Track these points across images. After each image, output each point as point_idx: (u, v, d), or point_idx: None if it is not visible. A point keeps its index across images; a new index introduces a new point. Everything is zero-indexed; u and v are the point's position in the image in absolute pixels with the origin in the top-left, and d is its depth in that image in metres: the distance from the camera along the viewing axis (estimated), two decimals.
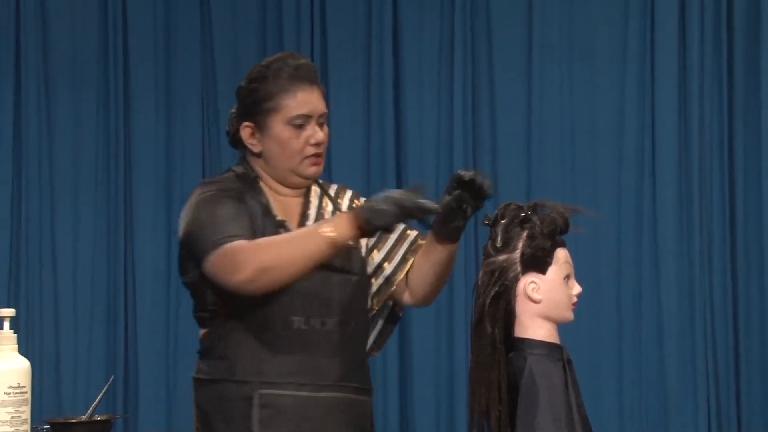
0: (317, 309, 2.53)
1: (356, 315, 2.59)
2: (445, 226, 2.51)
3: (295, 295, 2.51)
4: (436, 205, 2.41)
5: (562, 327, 2.36)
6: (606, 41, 5.07)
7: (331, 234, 2.39)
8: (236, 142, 2.67)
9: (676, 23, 5.01)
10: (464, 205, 2.47)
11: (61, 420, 3.64)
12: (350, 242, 2.42)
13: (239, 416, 2.50)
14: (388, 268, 2.65)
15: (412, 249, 2.67)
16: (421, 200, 2.40)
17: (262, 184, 2.62)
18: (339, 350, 2.55)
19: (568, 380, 2.30)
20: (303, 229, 2.47)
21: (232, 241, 2.43)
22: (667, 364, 4.93)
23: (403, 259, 2.66)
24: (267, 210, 2.58)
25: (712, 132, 5.00)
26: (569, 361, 2.33)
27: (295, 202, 2.63)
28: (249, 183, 2.60)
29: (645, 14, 5.04)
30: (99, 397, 3.62)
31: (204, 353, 2.60)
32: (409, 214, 2.39)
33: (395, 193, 2.41)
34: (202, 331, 2.61)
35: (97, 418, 3.58)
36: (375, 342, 2.71)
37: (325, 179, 2.80)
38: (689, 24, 5.01)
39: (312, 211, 2.63)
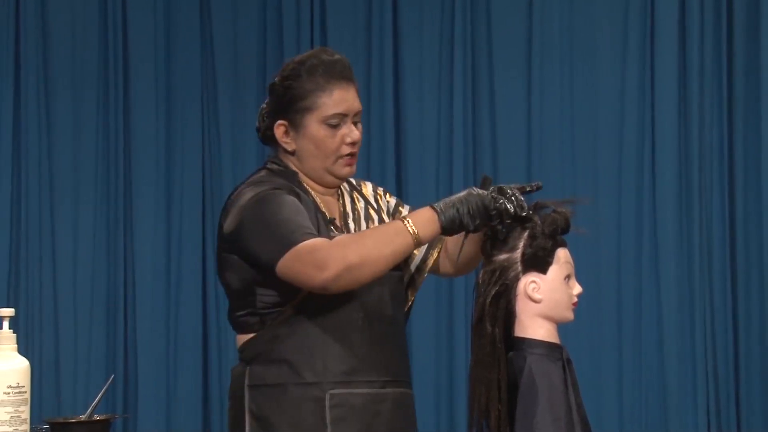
0: (375, 305, 2.51)
1: (402, 309, 2.59)
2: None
3: (354, 293, 2.47)
4: (521, 212, 2.32)
5: (562, 327, 2.36)
6: (606, 40, 5.07)
7: (416, 231, 2.33)
8: (267, 138, 2.62)
9: (676, 22, 5.01)
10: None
11: (61, 420, 3.64)
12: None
13: (309, 419, 2.45)
14: (417, 255, 2.62)
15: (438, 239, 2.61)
16: (502, 203, 2.31)
17: (302, 180, 2.57)
18: (395, 345, 2.54)
19: (568, 380, 2.30)
20: (385, 226, 2.40)
21: (308, 238, 2.35)
22: (666, 364, 4.93)
23: (430, 245, 2.61)
24: (317, 207, 2.54)
25: (712, 131, 4.99)
26: (569, 361, 2.33)
27: (332, 200, 2.60)
28: (292, 180, 2.54)
29: (645, 13, 5.04)
30: (98, 396, 3.62)
31: (256, 358, 2.49)
32: (490, 217, 2.32)
33: (477, 194, 2.33)
34: (246, 335, 2.51)
35: (97, 417, 3.58)
36: None
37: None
38: (689, 23, 5.01)
39: (349, 209, 2.60)
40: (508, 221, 2.33)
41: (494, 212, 2.31)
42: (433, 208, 2.35)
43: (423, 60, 5.16)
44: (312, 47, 5.15)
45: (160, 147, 5.22)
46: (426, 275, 2.66)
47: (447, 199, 2.35)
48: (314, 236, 2.36)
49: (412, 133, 5.15)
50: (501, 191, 2.34)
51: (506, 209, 2.32)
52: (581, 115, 5.08)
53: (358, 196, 2.66)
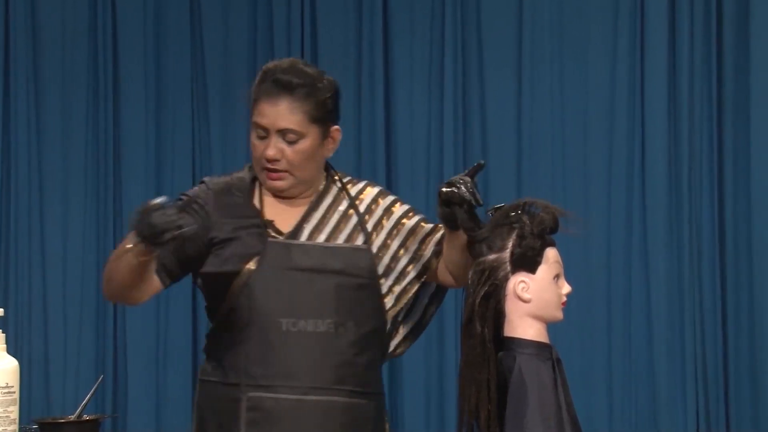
0: (308, 311, 2.50)
1: (358, 317, 2.55)
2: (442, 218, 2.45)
3: (283, 297, 2.49)
4: (184, 229, 2.36)
5: (551, 326, 2.36)
6: (596, 41, 5.07)
7: (129, 245, 2.40)
8: None
9: (666, 22, 5.02)
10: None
11: (50, 420, 3.63)
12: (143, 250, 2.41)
13: (229, 418, 2.50)
14: (412, 267, 2.63)
15: (437, 251, 2.62)
16: (153, 219, 2.38)
17: (259, 184, 2.59)
18: (332, 353, 2.51)
19: (558, 379, 2.30)
20: (121, 244, 2.46)
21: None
22: (656, 364, 4.94)
23: (430, 258, 2.62)
24: (255, 212, 2.56)
25: (702, 131, 5.00)
26: (559, 361, 2.33)
27: (302, 202, 2.59)
28: (241, 186, 2.59)
29: (635, 13, 5.04)
30: (88, 396, 3.61)
31: (206, 352, 2.61)
32: (146, 230, 2.37)
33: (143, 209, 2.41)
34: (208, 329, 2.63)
35: (86, 417, 3.57)
36: (401, 342, 2.68)
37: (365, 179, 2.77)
38: (679, 23, 5.02)
39: (316, 214, 2.59)
40: (465, 207, 2.36)
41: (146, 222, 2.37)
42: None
43: (413, 60, 5.16)
44: (302, 47, 5.16)
45: (150, 146, 5.21)
46: (427, 278, 2.64)
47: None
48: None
49: (403, 134, 5.15)
50: (450, 183, 2.38)
51: (459, 195, 2.36)
52: (571, 115, 5.08)
53: (345, 197, 2.64)
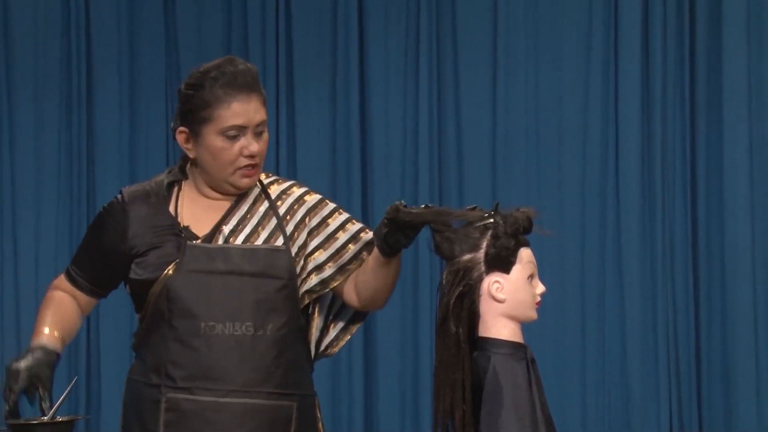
0: (225, 314, 2.51)
1: (276, 319, 2.54)
2: (385, 244, 2.43)
3: (201, 300, 2.51)
4: None
5: (526, 326, 2.36)
6: (570, 41, 5.09)
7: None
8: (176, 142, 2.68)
9: (639, 23, 5.05)
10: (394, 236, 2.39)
11: (23, 421, 3.60)
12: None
13: (149, 418, 2.54)
14: (328, 270, 2.60)
15: (356, 259, 2.60)
16: None
17: (178, 189, 2.62)
18: (251, 355, 2.52)
19: (532, 379, 2.31)
20: (38, 320, 2.76)
21: (65, 274, 2.71)
22: (629, 364, 4.96)
23: (341, 269, 2.60)
24: (171, 219, 2.58)
25: (675, 132, 5.03)
26: (533, 361, 2.34)
27: (220, 206, 2.60)
28: (158, 192, 2.61)
29: (609, 14, 5.07)
30: (62, 398, 3.59)
31: (134, 351, 2.67)
32: None
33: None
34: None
35: (59, 419, 3.55)
36: (333, 341, 2.67)
37: (292, 179, 2.74)
38: (652, 24, 5.04)
39: (234, 217, 2.58)
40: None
41: None
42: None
43: (388, 61, 5.16)
44: (277, 49, 5.16)
45: (124, 147, 5.19)
46: (331, 290, 2.62)
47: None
48: (65, 273, 2.71)
49: (378, 135, 5.15)
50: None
51: None
52: (546, 115, 5.10)
53: (265, 200, 2.62)
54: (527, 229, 2.34)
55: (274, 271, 2.55)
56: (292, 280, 2.57)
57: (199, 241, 2.55)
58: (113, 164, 5.17)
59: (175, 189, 2.63)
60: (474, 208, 2.39)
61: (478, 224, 2.34)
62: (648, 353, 4.96)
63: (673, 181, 5.02)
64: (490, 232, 2.32)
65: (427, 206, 2.37)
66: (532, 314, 2.35)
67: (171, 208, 2.60)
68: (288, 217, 2.60)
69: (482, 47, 5.12)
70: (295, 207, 2.62)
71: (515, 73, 5.10)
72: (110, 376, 5.07)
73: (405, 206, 2.35)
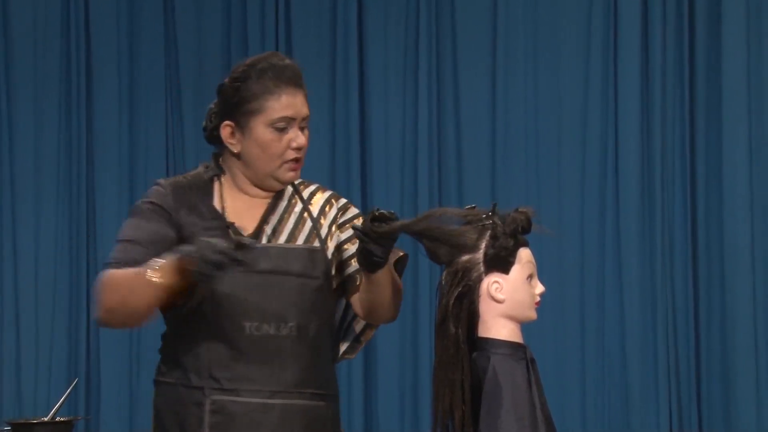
0: (271, 314, 2.50)
1: (317, 319, 2.55)
2: (362, 257, 2.42)
3: (246, 301, 2.48)
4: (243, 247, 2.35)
5: (525, 326, 2.36)
6: (570, 42, 5.10)
7: (158, 280, 2.37)
8: (213, 138, 2.62)
9: (639, 23, 5.05)
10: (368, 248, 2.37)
11: (23, 421, 3.62)
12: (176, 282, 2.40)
13: (191, 422, 2.48)
14: (351, 267, 2.61)
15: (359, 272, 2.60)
16: (223, 250, 2.33)
17: (219, 184, 2.58)
18: (295, 356, 2.51)
19: (532, 379, 2.31)
20: (140, 276, 2.40)
21: (110, 267, 2.46)
22: (629, 363, 4.96)
23: (350, 278, 2.60)
24: (216, 213, 2.54)
25: (674, 131, 5.03)
26: (532, 361, 2.34)
27: (259, 204, 2.58)
28: (199, 185, 2.57)
29: (608, 14, 5.07)
30: (62, 399, 3.60)
31: (162, 353, 2.58)
32: (218, 262, 2.34)
33: (213, 241, 2.35)
34: (164, 330, 2.59)
35: (59, 419, 3.56)
36: (351, 345, 2.67)
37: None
38: (652, 24, 5.04)
39: (274, 217, 2.57)
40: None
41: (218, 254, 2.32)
42: (175, 254, 2.38)
43: (388, 60, 5.16)
44: (277, 47, 5.16)
45: (123, 146, 5.19)
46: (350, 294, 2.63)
47: (186, 247, 2.38)
48: (119, 266, 2.44)
49: (377, 133, 5.16)
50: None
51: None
52: (545, 115, 5.10)
53: (298, 201, 2.62)
54: (526, 229, 2.34)
55: (314, 271, 2.54)
56: (327, 280, 2.57)
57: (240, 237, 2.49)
58: (113, 164, 5.17)
59: (216, 184, 2.59)
60: (473, 208, 2.39)
61: (476, 224, 2.34)
62: (648, 353, 4.96)
63: (672, 181, 5.02)
64: (488, 233, 2.32)
65: (423, 216, 2.34)
66: (532, 314, 2.35)
67: (216, 203, 2.56)
68: (322, 220, 2.61)
69: (482, 47, 5.12)
70: (327, 209, 2.63)
71: (515, 73, 5.10)
72: (110, 376, 5.07)
73: (378, 215, 2.33)
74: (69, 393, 3.65)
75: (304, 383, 2.52)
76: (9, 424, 3.58)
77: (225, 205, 2.56)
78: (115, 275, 2.43)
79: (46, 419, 3.55)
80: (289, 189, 2.62)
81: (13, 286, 5.11)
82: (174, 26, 5.23)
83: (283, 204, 2.59)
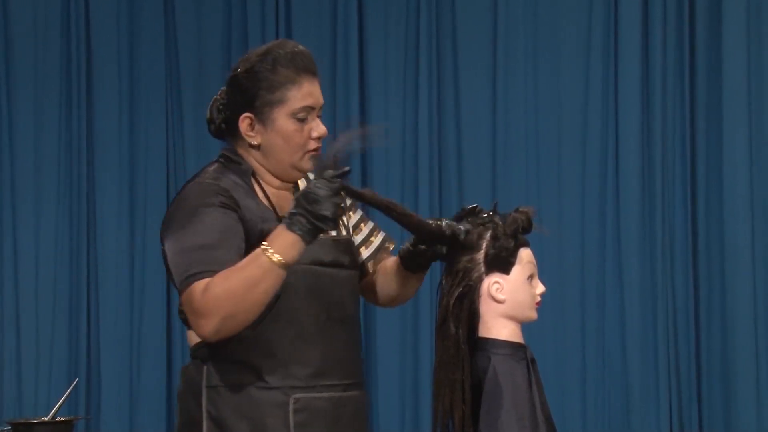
0: (337, 307, 2.46)
1: (359, 308, 2.54)
2: (412, 261, 2.44)
3: (315, 294, 2.43)
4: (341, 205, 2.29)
5: (526, 326, 2.37)
6: (570, 41, 5.10)
7: (284, 260, 2.27)
8: (220, 132, 2.55)
9: (639, 22, 5.05)
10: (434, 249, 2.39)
11: (23, 420, 3.62)
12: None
13: (272, 423, 2.38)
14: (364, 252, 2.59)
15: (376, 256, 2.60)
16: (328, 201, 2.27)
17: (256, 178, 2.49)
18: (354, 347, 2.50)
19: (532, 379, 2.31)
20: (250, 264, 2.28)
21: (203, 278, 2.29)
22: (629, 364, 4.96)
23: (363, 266, 2.59)
24: (267, 207, 2.46)
25: (675, 131, 5.04)
26: (533, 361, 2.34)
27: (287, 195, 2.51)
28: (245, 178, 2.47)
29: (608, 13, 5.07)
30: (62, 398, 3.60)
31: (214, 358, 2.41)
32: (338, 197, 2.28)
33: (310, 190, 2.27)
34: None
35: (60, 419, 3.56)
36: None
37: None
38: (652, 23, 5.05)
39: None
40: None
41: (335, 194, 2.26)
42: (288, 228, 2.27)
43: (388, 60, 5.17)
44: None
45: (124, 147, 5.19)
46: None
47: (290, 211, 2.28)
48: (203, 276, 2.29)
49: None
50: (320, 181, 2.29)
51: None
52: (545, 115, 5.10)
53: None
54: (526, 229, 2.34)
55: (354, 261, 2.53)
56: (357, 270, 2.55)
57: None
58: (113, 164, 5.17)
59: (254, 180, 2.49)
60: (474, 208, 2.39)
61: (477, 224, 2.34)
62: (648, 353, 4.96)
63: (673, 181, 5.02)
64: (489, 233, 2.33)
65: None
66: (532, 314, 2.36)
67: (261, 198, 2.47)
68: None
69: (482, 47, 5.12)
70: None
71: (515, 73, 5.10)
72: (110, 376, 5.07)
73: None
74: (69, 393, 3.65)
75: (359, 374, 2.51)
76: (9, 423, 3.58)
77: (270, 199, 2.48)
78: (223, 280, 2.27)
79: (46, 419, 3.55)
80: (302, 179, 2.57)
81: (14, 286, 5.11)
82: (174, 26, 5.23)
83: None
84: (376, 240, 2.62)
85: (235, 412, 2.39)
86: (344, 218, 2.58)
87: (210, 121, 2.56)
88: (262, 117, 2.46)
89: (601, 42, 5.07)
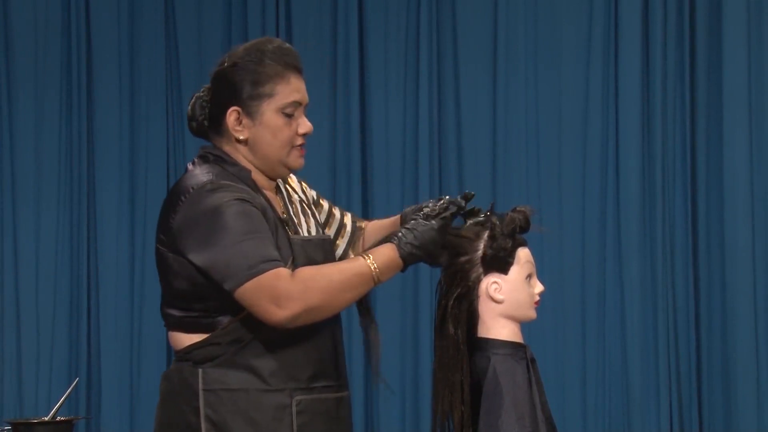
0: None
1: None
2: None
3: None
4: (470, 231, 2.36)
5: (525, 326, 2.37)
6: (570, 42, 5.10)
7: (378, 276, 2.33)
8: (202, 129, 2.48)
9: (640, 24, 5.05)
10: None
11: (23, 420, 3.62)
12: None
13: (274, 425, 2.38)
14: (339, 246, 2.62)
15: (352, 243, 2.62)
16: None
17: (255, 178, 2.46)
18: (340, 348, 2.52)
19: (532, 379, 2.31)
20: (353, 267, 2.34)
21: (272, 268, 2.29)
22: (629, 363, 4.96)
23: (348, 244, 2.61)
24: (271, 208, 2.44)
25: (675, 131, 5.04)
26: (533, 360, 2.34)
27: (275, 196, 2.49)
28: (246, 180, 2.44)
29: (609, 15, 5.07)
30: (62, 398, 3.60)
31: (210, 361, 2.39)
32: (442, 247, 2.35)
33: (425, 226, 2.34)
34: (194, 335, 2.39)
35: (60, 419, 3.56)
36: None
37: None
38: (652, 25, 5.05)
39: (290, 207, 2.50)
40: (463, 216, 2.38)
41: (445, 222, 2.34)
42: (397, 247, 2.33)
43: (388, 59, 5.16)
44: None
45: (124, 147, 5.19)
46: None
47: (405, 237, 2.34)
48: (278, 264, 2.30)
49: (378, 132, 5.16)
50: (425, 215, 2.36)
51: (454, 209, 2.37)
52: (546, 115, 5.10)
53: (291, 189, 2.56)
54: (524, 229, 2.34)
55: (335, 260, 2.52)
56: None
57: (300, 235, 2.45)
58: (113, 164, 5.17)
59: (252, 180, 2.45)
60: (473, 209, 2.39)
61: (476, 224, 2.34)
62: (648, 353, 4.96)
63: (673, 181, 5.02)
64: (487, 233, 2.32)
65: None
66: (531, 314, 2.35)
67: (264, 198, 2.44)
68: (314, 208, 2.58)
69: (482, 47, 5.12)
70: (303, 190, 2.60)
71: (515, 73, 5.10)
72: (111, 376, 5.07)
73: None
74: (69, 393, 3.65)
75: (346, 373, 2.53)
76: (9, 423, 3.58)
77: (269, 199, 2.46)
78: (320, 275, 2.31)
79: (46, 419, 3.55)
80: (281, 180, 2.55)
81: (14, 286, 5.11)
82: (174, 26, 5.23)
83: (286, 194, 2.53)
84: (348, 223, 2.64)
85: (237, 415, 2.37)
86: (317, 214, 2.58)
87: (191, 119, 2.50)
88: (249, 110, 2.43)
89: (601, 42, 5.07)
